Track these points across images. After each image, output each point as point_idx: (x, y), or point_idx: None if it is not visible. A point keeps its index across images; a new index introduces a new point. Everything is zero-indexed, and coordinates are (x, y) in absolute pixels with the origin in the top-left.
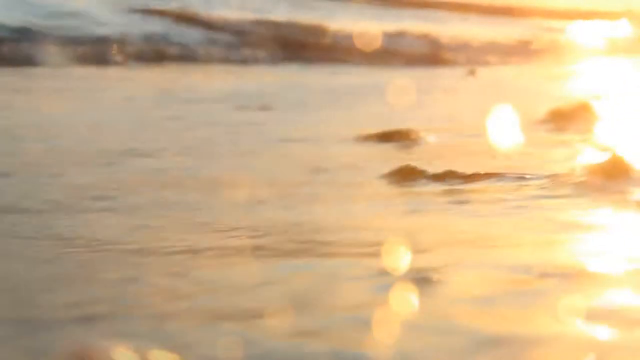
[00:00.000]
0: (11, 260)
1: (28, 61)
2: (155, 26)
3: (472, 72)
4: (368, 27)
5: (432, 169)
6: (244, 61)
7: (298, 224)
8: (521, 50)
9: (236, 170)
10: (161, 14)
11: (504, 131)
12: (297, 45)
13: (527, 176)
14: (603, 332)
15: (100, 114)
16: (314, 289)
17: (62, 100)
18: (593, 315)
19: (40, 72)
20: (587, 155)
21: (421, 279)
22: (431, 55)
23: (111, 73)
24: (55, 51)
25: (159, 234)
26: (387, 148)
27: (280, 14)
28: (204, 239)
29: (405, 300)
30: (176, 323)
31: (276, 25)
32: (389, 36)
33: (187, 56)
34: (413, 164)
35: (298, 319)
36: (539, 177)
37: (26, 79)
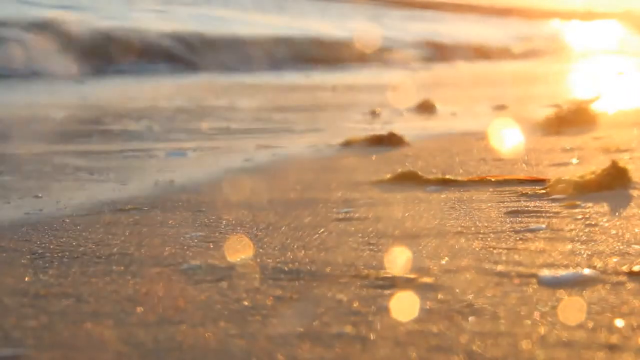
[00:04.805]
0: None
1: None
2: None
3: None
4: None
5: (431, 174)
6: None
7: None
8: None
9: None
10: None
11: (502, 134)
12: None
13: (525, 181)
14: (605, 335)
15: None
16: (314, 289)
17: None
18: (592, 320)
19: None
20: (586, 160)
21: (418, 280)
22: None
23: None
24: None
25: None
26: (378, 152)
27: None
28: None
29: (403, 302)
30: None
31: None
32: None
33: None
34: (414, 168)
35: (294, 321)
36: (537, 182)
37: None
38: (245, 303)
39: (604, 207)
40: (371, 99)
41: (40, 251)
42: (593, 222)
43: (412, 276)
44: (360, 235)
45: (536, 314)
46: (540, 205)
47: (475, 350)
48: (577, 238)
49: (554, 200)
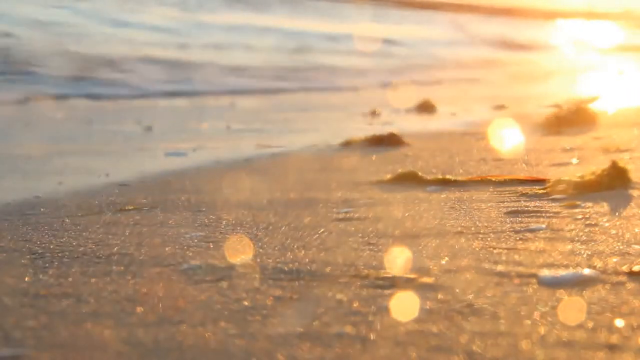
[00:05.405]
0: None
1: None
2: None
3: None
4: None
5: (431, 174)
6: None
7: (297, 227)
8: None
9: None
10: None
11: (502, 135)
12: None
13: (525, 181)
14: (605, 335)
15: None
16: (314, 289)
17: None
18: (592, 320)
19: None
20: (586, 160)
21: (418, 280)
22: None
23: None
24: None
25: None
26: (378, 152)
27: None
28: None
29: (404, 302)
30: None
31: None
32: None
33: None
34: (414, 168)
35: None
36: (537, 182)
37: None
38: (245, 303)
39: (604, 207)
40: (371, 98)
41: (40, 251)
42: (593, 222)
43: (412, 276)
44: (360, 235)
45: (536, 314)
46: (540, 205)
47: (475, 350)
48: (577, 238)
49: (554, 200)
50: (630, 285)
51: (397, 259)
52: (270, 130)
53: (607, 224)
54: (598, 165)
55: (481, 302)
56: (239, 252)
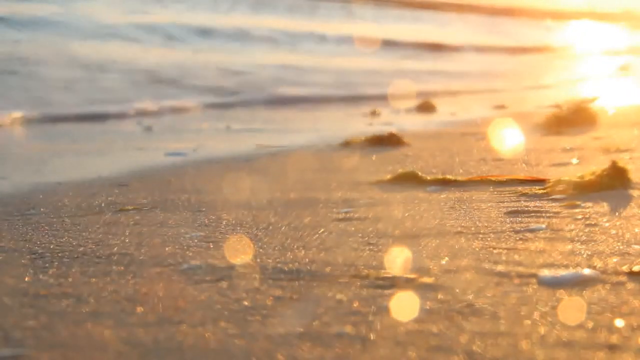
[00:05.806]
0: None
1: None
2: None
3: None
4: None
5: (431, 174)
6: None
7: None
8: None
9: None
10: None
11: (503, 135)
12: None
13: (525, 181)
14: (605, 335)
15: None
16: (314, 289)
17: None
18: (592, 320)
19: None
20: (586, 160)
21: (418, 280)
22: None
23: None
24: None
25: None
26: (378, 152)
27: None
28: None
29: (404, 302)
30: None
31: None
32: None
33: None
34: (414, 168)
35: (293, 321)
36: (537, 182)
37: None
38: (245, 303)
39: (604, 207)
40: (371, 98)
41: (40, 251)
42: (593, 222)
43: (412, 276)
44: (360, 235)
45: (536, 314)
46: (540, 205)
47: (475, 350)
48: (577, 238)
49: (554, 200)
50: (630, 285)
51: (397, 259)
52: (270, 130)
53: (607, 224)
54: (598, 165)
55: (481, 302)
56: (239, 252)
